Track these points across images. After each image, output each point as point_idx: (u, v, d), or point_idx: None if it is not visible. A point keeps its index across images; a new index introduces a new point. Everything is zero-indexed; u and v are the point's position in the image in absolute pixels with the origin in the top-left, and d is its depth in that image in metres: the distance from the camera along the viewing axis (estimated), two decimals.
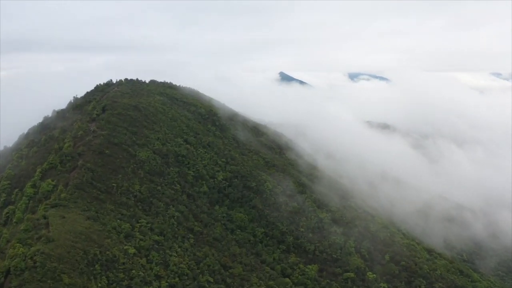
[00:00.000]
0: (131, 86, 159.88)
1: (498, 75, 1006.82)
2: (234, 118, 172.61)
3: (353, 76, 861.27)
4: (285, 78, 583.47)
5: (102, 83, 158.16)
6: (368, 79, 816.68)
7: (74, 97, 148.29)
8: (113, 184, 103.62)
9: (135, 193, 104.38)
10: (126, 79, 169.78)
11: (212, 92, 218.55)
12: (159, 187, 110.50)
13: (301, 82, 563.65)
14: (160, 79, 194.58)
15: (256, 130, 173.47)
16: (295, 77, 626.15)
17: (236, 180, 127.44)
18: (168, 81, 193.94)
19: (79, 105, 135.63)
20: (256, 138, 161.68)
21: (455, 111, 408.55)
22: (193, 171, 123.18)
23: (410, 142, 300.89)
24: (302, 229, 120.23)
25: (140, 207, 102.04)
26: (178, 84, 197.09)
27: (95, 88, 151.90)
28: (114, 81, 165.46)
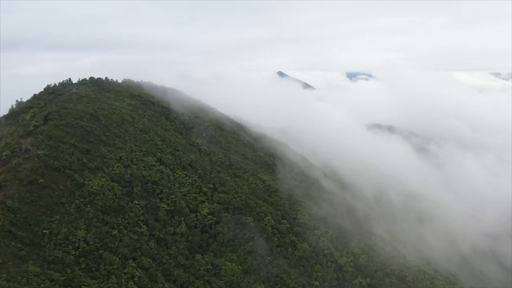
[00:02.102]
0: (95, 88, 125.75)
1: (497, 75, 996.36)
2: (226, 127, 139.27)
3: (351, 76, 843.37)
4: (283, 77, 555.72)
5: (56, 83, 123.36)
6: (367, 79, 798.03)
7: (17, 101, 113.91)
8: (45, 231, 70.62)
9: (77, 244, 71.35)
10: (91, 78, 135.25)
11: (206, 94, 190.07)
12: (115, 232, 77.46)
13: (300, 82, 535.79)
14: (152, 79, 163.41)
15: (253, 141, 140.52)
16: (293, 76, 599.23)
17: (226, 214, 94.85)
18: (147, 81, 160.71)
19: (15, 113, 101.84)
20: (254, 153, 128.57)
21: (455, 112, 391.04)
22: (168, 204, 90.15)
23: (413, 146, 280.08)
24: (316, 283, 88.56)
25: (83, 266, 69.15)
26: (159, 85, 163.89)
27: (44, 89, 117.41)
28: (76, 81, 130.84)
